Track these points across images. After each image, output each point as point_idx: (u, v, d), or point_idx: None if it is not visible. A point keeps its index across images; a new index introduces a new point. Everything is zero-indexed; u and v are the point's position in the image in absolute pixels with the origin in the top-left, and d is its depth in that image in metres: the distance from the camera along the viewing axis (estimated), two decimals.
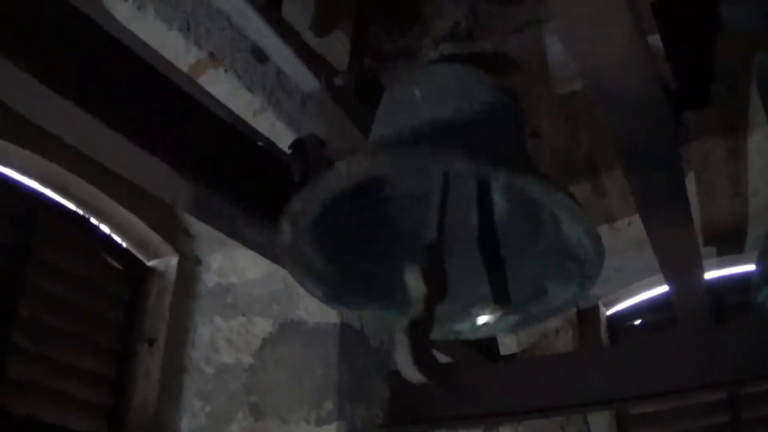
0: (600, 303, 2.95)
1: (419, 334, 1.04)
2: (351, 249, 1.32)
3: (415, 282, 1.08)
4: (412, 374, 1.05)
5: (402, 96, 1.25)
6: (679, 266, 1.69)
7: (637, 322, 2.94)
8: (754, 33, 1.34)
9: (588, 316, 2.90)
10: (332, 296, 1.32)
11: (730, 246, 2.64)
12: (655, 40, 1.55)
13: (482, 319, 1.33)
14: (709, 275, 2.73)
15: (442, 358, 2.33)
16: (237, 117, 1.53)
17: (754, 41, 1.31)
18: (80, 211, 2.32)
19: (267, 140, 1.56)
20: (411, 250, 1.34)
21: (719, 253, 2.68)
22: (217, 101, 1.50)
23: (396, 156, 1.13)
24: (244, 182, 1.43)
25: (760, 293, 1.36)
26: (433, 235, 1.16)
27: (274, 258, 1.44)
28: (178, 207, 1.66)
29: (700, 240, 2.66)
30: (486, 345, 2.34)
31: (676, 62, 1.44)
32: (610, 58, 0.94)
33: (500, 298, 1.27)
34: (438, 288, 1.10)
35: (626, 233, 2.59)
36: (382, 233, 1.37)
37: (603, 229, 2.66)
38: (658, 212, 1.37)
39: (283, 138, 1.71)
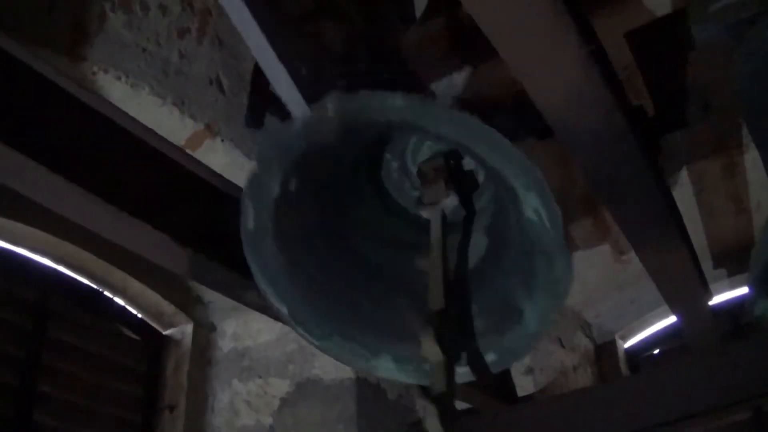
0: (617, 336, 2.93)
1: (447, 404, 1.05)
2: (319, 276, 1.32)
3: (432, 351, 1.09)
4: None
5: None
6: (679, 290, 1.69)
7: (656, 351, 2.92)
8: (725, 47, 1.36)
9: (606, 351, 2.88)
10: (296, 318, 1.31)
11: (739, 265, 2.63)
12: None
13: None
14: (724, 297, 2.73)
15: (459, 404, 2.33)
16: (230, 184, 1.58)
17: (726, 55, 1.33)
18: (94, 286, 2.37)
19: None
20: (378, 290, 1.37)
21: (730, 274, 2.67)
22: (211, 171, 1.55)
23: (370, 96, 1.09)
24: (240, 248, 1.47)
25: (757, 307, 1.36)
26: (439, 298, 1.17)
27: (275, 316, 1.47)
28: (179, 273, 1.70)
29: (710, 263, 2.66)
30: (502, 388, 2.34)
31: (653, 88, 1.47)
32: (562, 92, 0.96)
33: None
34: (453, 351, 1.13)
35: (635, 264, 2.57)
36: (351, 269, 1.37)
37: (610, 264, 2.68)
38: (645, 239, 1.38)
39: None
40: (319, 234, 1.34)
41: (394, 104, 1.07)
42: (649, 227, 1.35)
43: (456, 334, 1.18)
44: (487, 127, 1.06)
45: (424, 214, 1.30)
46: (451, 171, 1.31)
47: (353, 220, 1.40)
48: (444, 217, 1.28)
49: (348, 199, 1.39)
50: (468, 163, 1.35)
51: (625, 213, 1.29)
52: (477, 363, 1.29)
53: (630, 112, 1.13)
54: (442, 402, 1.05)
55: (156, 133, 1.45)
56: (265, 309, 1.60)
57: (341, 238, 1.38)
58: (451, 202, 1.29)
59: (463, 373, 1.33)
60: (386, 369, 1.38)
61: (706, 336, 2.02)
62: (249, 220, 1.23)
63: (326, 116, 1.12)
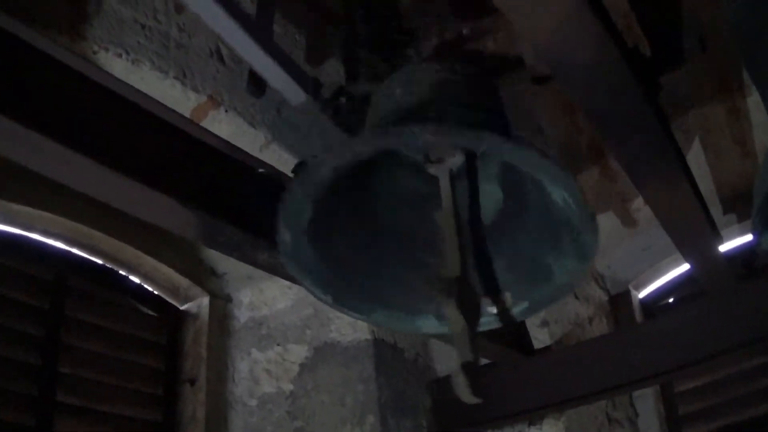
0: (631, 287, 2.94)
1: (472, 371, 1.07)
2: (349, 254, 1.35)
3: (454, 319, 1.11)
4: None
5: (385, 97, 1.30)
6: (688, 232, 1.70)
7: (671, 300, 2.93)
8: None
9: (620, 301, 2.90)
10: (338, 301, 1.35)
11: (748, 209, 2.63)
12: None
13: (492, 311, 1.36)
14: (735, 242, 2.73)
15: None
16: (237, 149, 1.60)
17: None
18: (109, 266, 2.40)
19: (269, 167, 1.63)
20: (407, 253, 1.39)
21: (740, 219, 2.67)
22: (218, 137, 1.57)
23: (376, 136, 1.16)
24: (248, 209, 1.49)
25: (764, 239, 1.37)
26: (456, 265, 1.18)
27: (288, 277, 1.49)
28: (189, 237, 1.72)
29: (719, 209, 2.66)
30: (519, 341, 2.36)
31: (649, 29, 1.47)
32: (552, 27, 0.96)
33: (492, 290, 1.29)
34: (474, 314, 1.15)
35: (645, 211, 2.59)
36: (377, 237, 1.40)
37: (619, 212, 2.68)
38: (647, 174, 1.39)
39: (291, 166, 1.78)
40: (344, 215, 1.36)
41: (425, 137, 1.11)
42: (649, 162, 1.35)
43: (476, 299, 1.19)
44: (515, 146, 1.09)
45: (432, 171, 1.31)
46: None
47: (370, 186, 1.42)
48: (452, 177, 1.28)
49: (363, 170, 1.41)
50: None
51: (625, 148, 1.30)
52: (503, 310, 1.32)
53: (625, 49, 1.13)
54: (470, 370, 1.07)
55: (161, 103, 1.47)
56: (278, 270, 1.62)
57: (361, 209, 1.40)
58: (458, 159, 1.29)
59: (486, 322, 1.36)
60: (432, 326, 1.43)
61: (719, 279, 2.03)
62: (285, 240, 1.25)
63: (353, 150, 1.16)
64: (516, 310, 1.37)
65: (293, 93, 1.62)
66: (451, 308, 1.12)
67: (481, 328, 1.40)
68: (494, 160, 1.39)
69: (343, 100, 1.71)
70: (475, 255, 1.34)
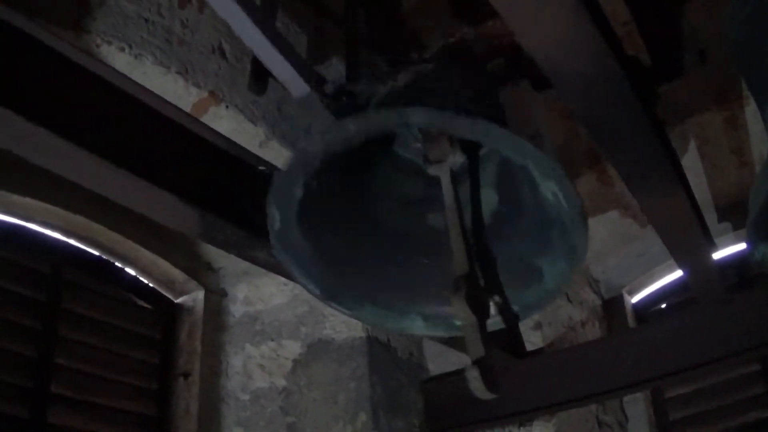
0: (624, 291, 2.95)
1: (487, 367, 1.08)
2: (343, 251, 1.37)
3: (465, 314, 1.13)
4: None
5: (384, 90, 1.31)
6: (683, 240, 1.71)
7: (663, 306, 2.94)
8: None
9: (613, 306, 2.91)
10: (328, 294, 1.37)
11: (743, 218, 2.65)
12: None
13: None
14: (729, 251, 2.74)
15: (466, 360, 2.37)
16: (237, 146, 1.61)
17: (722, 4, 1.34)
18: (105, 257, 2.40)
19: (269, 164, 1.64)
20: (400, 254, 1.41)
21: (735, 228, 2.69)
22: (218, 134, 1.58)
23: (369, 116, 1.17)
24: (247, 207, 1.50)
25: (757, 250, 1.38)
26: (464, 262, 1.20)
27: (286, 275, 1.50)
28: (189, 234, 1.73)
29: (714, 217, 2.67)
30: (511, 343, 2.37)
31: (650, 39, 1.48)
32: (552, 37, 0.98)
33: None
34: (483, 312, 1.17)
35: (641, 218, 2.61)
36: (372, 237, 1.41)
37: (616, 217, 2.69)
38: (644, 183, 1.40)
39: None
40: (338, 210, 1.37)
41: (412, 116, 1.13)
42: (646, 171, 1.36)
43: (484, 295, 1.20)
44: (506, 131, 1.09)
45: (431, 171, 1.32)
46: None
47: (366, 186, 1.43)
48: (454, 176, 1.30)
49: (360, 168, 1.42)
50: None
51: (622, 157, 1.31)
52: (506, 312, 1.33)
53: (623, 59, 1.14)
54: (483, 365, 1.08)
55: (162, 98, 1.48)
56: (276, 267, 1.63)
57: (357, 207, 1.41)
58: (457, 159, 1.30)
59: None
60: (417, 327, 1.44)
61: (712, 287, 2.04)
62: (275, 222, 1.27)
63: (347, 131, 1.16)
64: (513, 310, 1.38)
65: (296, 85, 1.63)
66: (460, 304, 1.12)
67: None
68: (490, 162, 1.40)
69: (344, 99, 1.72)
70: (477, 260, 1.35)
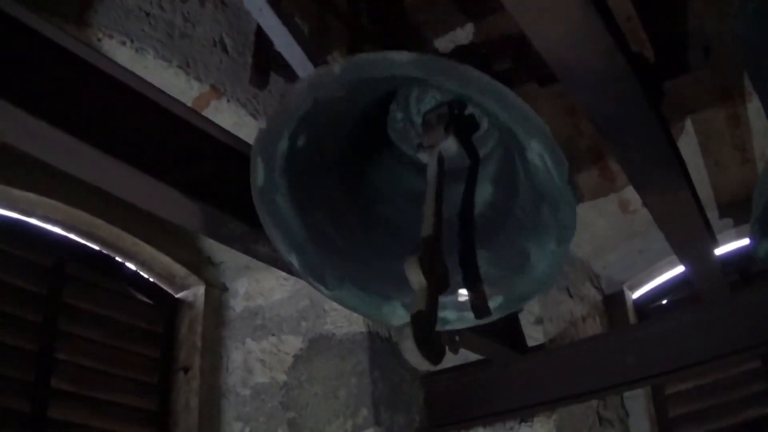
0: (625, 287, 2.96)
1: (423, 324, 0.98)
2: (331, 229, 1.35)
3: (415, 275, 1.07)
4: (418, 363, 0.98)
5: None
6: (685, 236, 1.71)
7: (664, 301, 2.94)
8: None
9: (614, 302, 2.91)
10: (307, 269, 1.34)
11: (746, 214, 2.64)
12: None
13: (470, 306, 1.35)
14: (731, 246, 2.75)
15: (471, 356, 2.37)
16: (239, 140, 1.60)
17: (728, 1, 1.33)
18: (106, 252, 2.40)
19: None
20: (390, 242, 1.39)
21: (736, 224, 2.69)
22: (220, 128, 1.57)
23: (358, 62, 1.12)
24: (250, 201, 1.49)
25: (760, 247, 1.38)
26: (429, 227, 1.16)
27: (286, 269, 1.49)
28: (192, 229, 1.73)
29: (716, 213, 2.67)
30: (513, 338, 2.37)
31: (655, 36, 1.47)
32: (561, 34, 0.97)
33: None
34: (439, 279, 1.09)
35: (642, 213, 2.61)
36: (364, 223, 1.40)
37: (617, 213, 2.69)
38: (648, 179, 1.40)
39: None
40: (332, 190, 1.36)
41: (398, 61, 1.08)
42: (651, 168, 1.36)
43: (443, 263, 1.13)
44: (490, 78, 1.06)
45: (422, 158, 1.32)
46: (454, 117, 1.32)
47: (363, 174, 1.42)
48: (441, 157, 1.28)
49: (357, 154, 1.41)
50: (471, 109, 1.36)
51: (628, 154, 1.31)
52: (480, 304, 1.31)
53: (631, 56, 1.14)
54: (419, 322, 0.98)
55: (164, 92, 1.47)
56: (277, 262, 1.63)
57: (352, 192, 1.40)
58: (449, 144, 1.30)
59: (469, 317, 1.37)
60: (398, 317, 1.41)
61: (714, 284, 2.04)
62: (259, 176, 1.25)
63: (332, 74, 1.13)
64: (492, 305, 1.36)
65: (304, 67, 1.63)
66: (412, 266, 1.05)
67: (465, 324, 1.40)
68: (490, 160, 1.40)
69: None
70: (460, 248, 1.34)
